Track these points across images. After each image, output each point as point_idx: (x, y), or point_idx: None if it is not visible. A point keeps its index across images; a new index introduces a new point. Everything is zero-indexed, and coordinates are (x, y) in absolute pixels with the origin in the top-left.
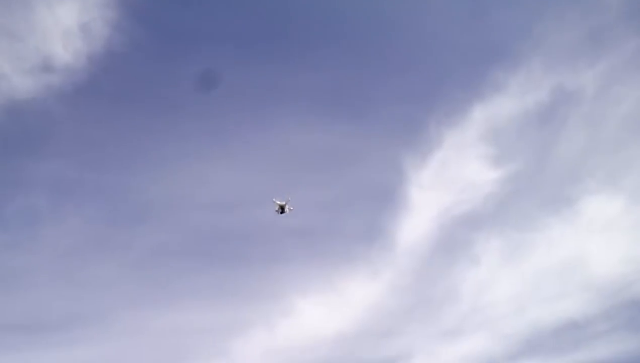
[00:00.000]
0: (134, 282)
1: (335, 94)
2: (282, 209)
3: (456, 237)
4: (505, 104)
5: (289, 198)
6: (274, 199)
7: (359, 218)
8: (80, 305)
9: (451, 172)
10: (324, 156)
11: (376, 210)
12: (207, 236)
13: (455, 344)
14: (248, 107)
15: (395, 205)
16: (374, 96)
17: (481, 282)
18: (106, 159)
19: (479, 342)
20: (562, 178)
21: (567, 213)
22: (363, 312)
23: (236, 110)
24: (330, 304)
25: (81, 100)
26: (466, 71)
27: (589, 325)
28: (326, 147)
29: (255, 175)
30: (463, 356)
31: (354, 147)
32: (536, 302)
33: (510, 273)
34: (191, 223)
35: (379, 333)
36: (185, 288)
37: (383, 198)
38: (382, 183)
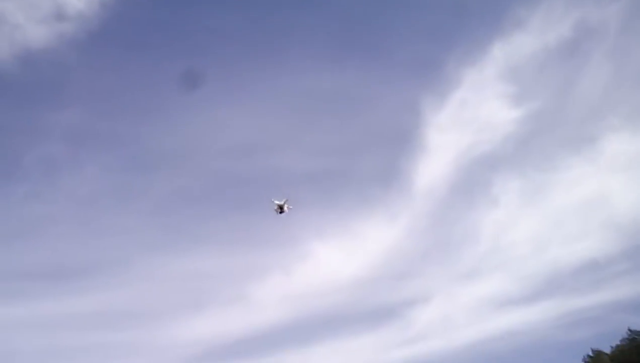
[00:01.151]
0: (152, 228)
1: (350, 35)
2: (281, 209)
3: (474, 179)
4: (526, 40)
5: (287, 199)
6: (272, 199)
7: (375, 162)
8: (100, 252)
9: (470, 112)
10: (340, 99)
11: (393, 153)
12: (224, 182)
13: (473, 285)
14: (262, 51)
15: (413, 147)
16: (390, 35)
17: (500, 223)
18: (121, 107)
19: (497, 283)
20: (583, 116)
21: (588, 152)
22: (380, 256)
23: (250, 55)
24: (347, 248)
25: (95, 48)
26: (486, 7)
27: (610, 265)
28: (341, 90)
29: (271, 119)
30: (481, 297)
31: (370, 89)
32: (556, 243)
33: (530, 213)
34: (208, 169)
35: (396, 276)
36: (202, 234)
37: (400, 141)
38: (398, 126)
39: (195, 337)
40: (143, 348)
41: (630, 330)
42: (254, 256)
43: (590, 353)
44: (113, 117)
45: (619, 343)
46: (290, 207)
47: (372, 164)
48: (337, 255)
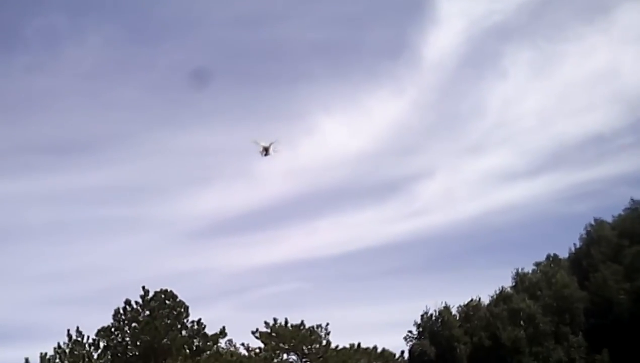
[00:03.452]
0: (158, 102)
1: None
2: (266, 151)
3: (485, 50)
4: None
5: (274, 141)
6: (257, 141)
7: (384, 33)
8: (105, 126)
9: None
10: None
11: (402, 23)
12: (230, 54)
13: (479, 159)
14: None
15: (422, 17)
16: None
17: (508, 96)
18: None
19: (502, 156)
20: None
21: (601, 23)
22: (386, 130)
23: None
24: (353, 122)
25: None
26: None
27: (615, 138)
28: None
29: None
30: (486, 171)
31: None
32: (563, 115)
33: (539, 86)
34: (213, 40)
35: (401, 150)
36: (208, 108)
37: (410, 10)
38: None
39: (200, 212)
40: (148, 222)
41: (632, 199)
42: (259, 131)
43: (592, 223)
44: None
45: (621, 213)
46: (276, 150)
47: (381, 35)
48: (342, 130)
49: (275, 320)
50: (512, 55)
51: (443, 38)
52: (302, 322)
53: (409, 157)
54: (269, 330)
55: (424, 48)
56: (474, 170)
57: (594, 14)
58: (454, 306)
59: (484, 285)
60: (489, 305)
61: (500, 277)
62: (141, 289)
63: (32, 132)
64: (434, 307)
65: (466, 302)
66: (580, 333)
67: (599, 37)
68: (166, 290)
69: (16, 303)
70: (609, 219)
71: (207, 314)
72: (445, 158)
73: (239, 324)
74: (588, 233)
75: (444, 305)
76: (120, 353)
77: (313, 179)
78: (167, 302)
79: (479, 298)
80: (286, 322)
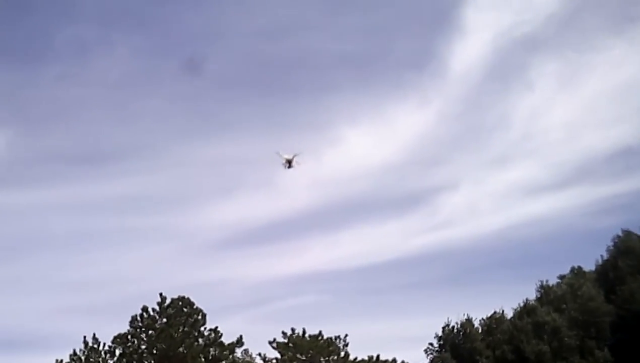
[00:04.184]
0: (184, 113)
1: None
2: (289, 163)
3: (511, 62)
4: None
5: (296, 153)
6: (280, 153)
7: (409, 43)
8: (132, 136)
9: None
10: None
11: (428, 34)
12: (255, 65)
13: (504, 172)
14: None
15: (449, 28)
16: None
17: (534, 109)
18: None
19: (527, 169)
20: None
21: (631, 33)
22: (411, 141)
23: None
24: (378, 133)
25: None
26: None
27: None
28: None
29: None
30: (511, 184)
31: None
32: (590, 128)
33: (566, 98)
34: (239, 51)
35: (426, 162)
36: (233, 119)
37: (436, 22)
38: (435, 4)
39: (222, 222)
40: (170, 232)
41: None
42: (284, 141)
43: (620, 234)
44: None
45: None
46: (299, 162)
47: (407, 46)
48: (367, 141)
49: (292, 330)
50: (539, 66)
51: (469, 49)
52: (320, 332)
53: (433, 169)
54: (286, 341)
55: (450, 59)
56: (498, 183)
57: (622, 24)
58: (476, 319)
59: (506, 299)
60: (512, 318)
61: (523, 291)
62: (158, 296)
63: (58, 141)
64: (455, 320)
65: (489, 315)
66: (606, 348)
67: (627, 48)
68: (183, 297)
69: (39, 311)
70: (638, 230)
71: (225, 325)
72: (469, 170)
73: (257, 336)
74: (615, 244)
75: (466, 317)
76: (136, 361)
77: (336, 189)
78: (184, 309)
79: (502, 311)
80: (304, 333)
